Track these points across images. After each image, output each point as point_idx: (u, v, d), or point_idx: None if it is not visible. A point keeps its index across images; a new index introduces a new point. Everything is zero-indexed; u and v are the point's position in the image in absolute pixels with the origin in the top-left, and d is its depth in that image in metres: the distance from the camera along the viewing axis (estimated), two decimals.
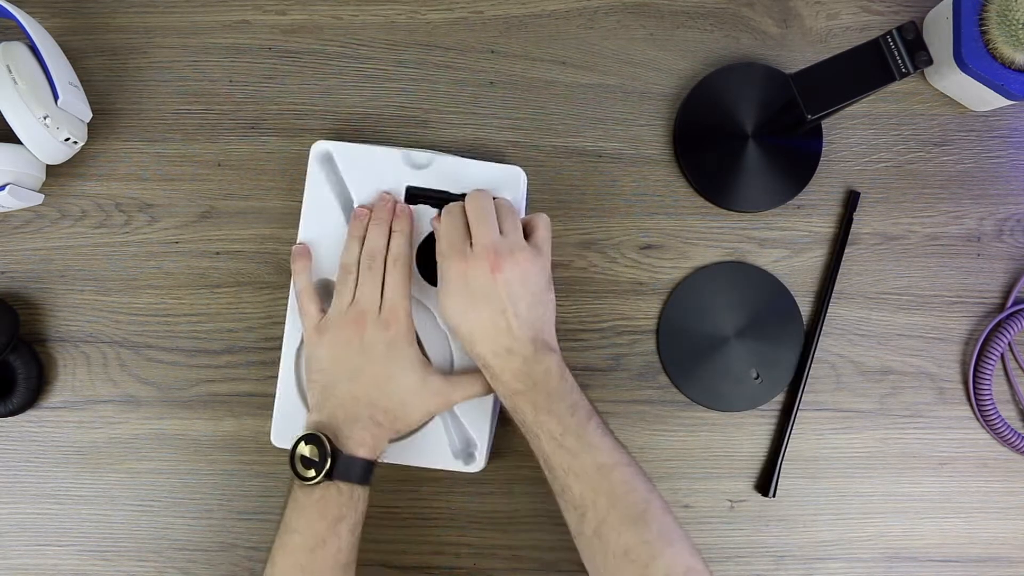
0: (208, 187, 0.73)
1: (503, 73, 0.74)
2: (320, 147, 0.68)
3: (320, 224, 0.68)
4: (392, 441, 0.64)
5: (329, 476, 0.58)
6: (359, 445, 0.60)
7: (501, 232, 0.61)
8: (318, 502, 0.58)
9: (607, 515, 0.55)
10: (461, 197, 0.64)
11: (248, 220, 0.73)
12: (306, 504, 0.59)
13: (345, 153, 0.68)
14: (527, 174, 0.69)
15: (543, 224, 0.63)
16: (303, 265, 0.67)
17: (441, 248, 0.61)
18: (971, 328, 0.73)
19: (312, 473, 0.58)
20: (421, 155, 0.68)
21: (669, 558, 0.54)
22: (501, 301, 0.59)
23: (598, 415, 0.59)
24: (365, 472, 0.60)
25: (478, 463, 0.68)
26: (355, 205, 0.68)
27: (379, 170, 0.68)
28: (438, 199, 0.66)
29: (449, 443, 0.68)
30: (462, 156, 0.69)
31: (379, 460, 0.62)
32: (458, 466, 0.68)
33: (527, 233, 0.62)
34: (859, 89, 0.61)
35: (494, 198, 0.63)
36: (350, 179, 0.68)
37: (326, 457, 0.58)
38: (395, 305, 0.63)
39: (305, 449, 0.59)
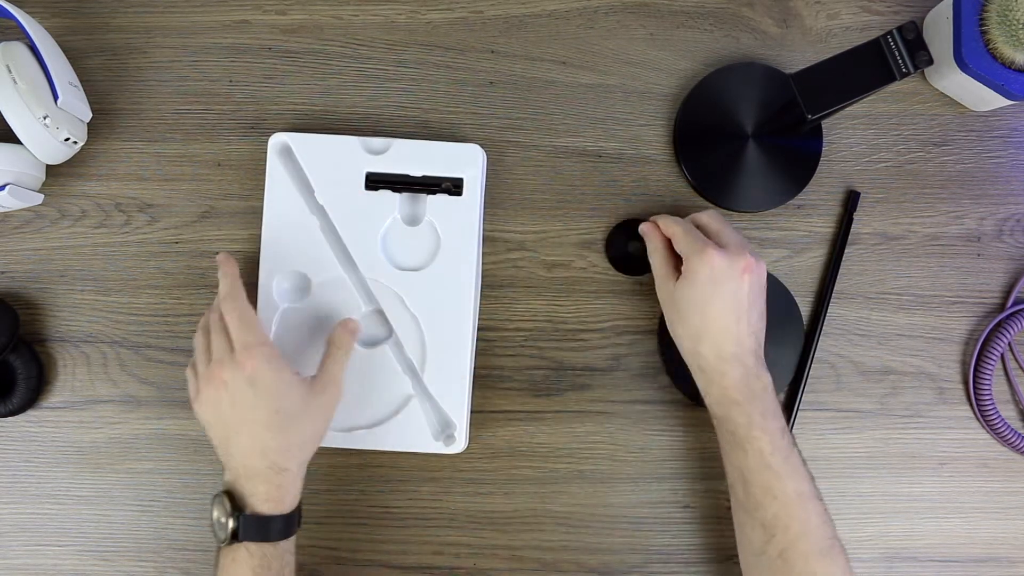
0: (208, 187, 0.73)
1: (503, 73, 0.74)
2: (277, 139, 0.69)
3: (284, 217, 0.69)
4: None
5: (235, 537, 0.56)
6: (263, 501, 0.57)
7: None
8: (231, 564, 0.57)
9: (796, 542, 0.57)
10: (422, 180, 0.66)
11: (248, 220, 0.73)
12: (224, 565, 0.57)
13: (303, 144, 0.69)
14: (487, 153, 0.70)
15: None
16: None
17: (688, 242, 0.62)
18: (971, 328, 0.73)
19: (223, 535, 0.56)
20: (378, 141, 0.69)
21: None
22: (741, 305, 0.60)
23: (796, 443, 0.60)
24: (277, 529, 0.57)
25: (459, 443, 0.68)
26: (316, 195, 0.69)
27: (337, 159, 0.69)
28: (398, 183, 0.67)
29: (429, 426, 0.69)
30: (419, 139, 0.70)
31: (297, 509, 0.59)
32: (439, 448, 0.68)
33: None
34: (859, 89, 0.61)
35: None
36: (310, 169, 0.69)
37: (229, 518, 0.56)
38: (244, 341, 0.58)
39: (213, 512, 0.57)
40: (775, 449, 0.58)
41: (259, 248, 0.71)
